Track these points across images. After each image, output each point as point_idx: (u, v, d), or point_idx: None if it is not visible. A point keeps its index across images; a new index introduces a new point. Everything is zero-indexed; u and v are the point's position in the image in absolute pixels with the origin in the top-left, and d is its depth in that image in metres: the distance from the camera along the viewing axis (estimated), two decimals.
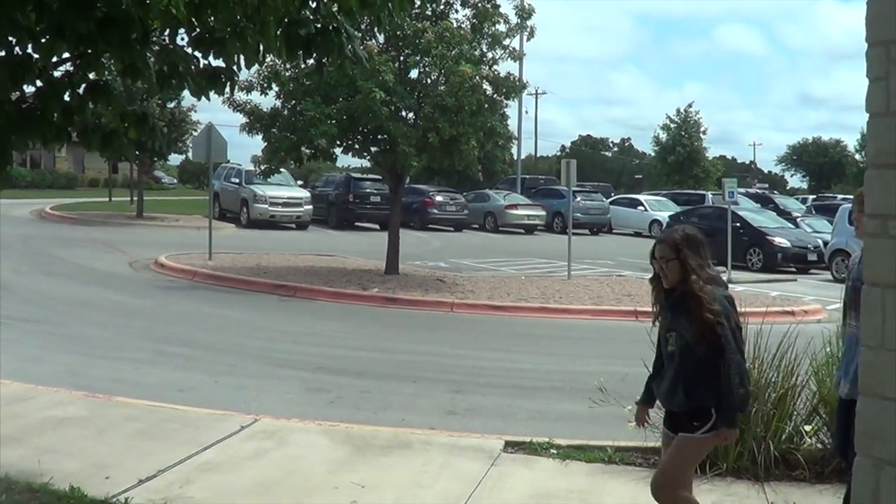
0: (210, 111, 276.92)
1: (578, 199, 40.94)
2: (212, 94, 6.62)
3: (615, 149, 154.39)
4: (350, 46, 6.09)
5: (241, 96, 25.65)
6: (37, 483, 8.00)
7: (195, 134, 38.74)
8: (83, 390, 11.85)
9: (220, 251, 29.82)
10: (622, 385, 9.65)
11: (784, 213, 46.77)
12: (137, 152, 39.53)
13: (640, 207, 54.78)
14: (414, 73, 25.91)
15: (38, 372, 12.97)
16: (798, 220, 44.72)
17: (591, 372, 12.63)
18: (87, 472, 8.49)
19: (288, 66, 25.23)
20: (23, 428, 9.94)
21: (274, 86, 25.78)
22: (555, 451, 9.79)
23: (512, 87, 26.02)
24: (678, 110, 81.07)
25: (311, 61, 6.63)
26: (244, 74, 6.99)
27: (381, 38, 25.12)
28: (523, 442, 10.04)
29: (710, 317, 6.25)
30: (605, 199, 57.31)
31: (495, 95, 25.70)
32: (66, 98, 6.00)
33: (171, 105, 44.41)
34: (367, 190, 47.97)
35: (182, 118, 46.55)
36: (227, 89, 6.64)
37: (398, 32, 24.56)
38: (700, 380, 6.38)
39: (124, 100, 6.69)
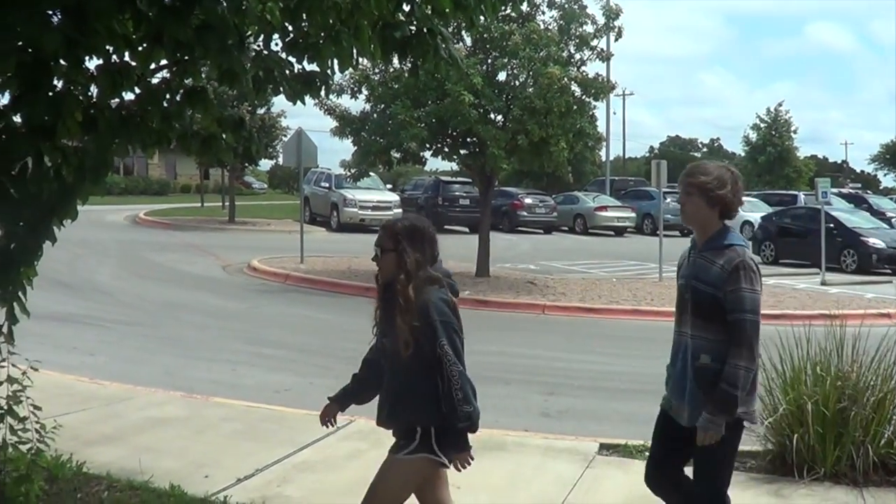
0: (299, 117, 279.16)
1: (669, 200, 40.70)
2: (303, 98, 6.68)
3: (704, 149, 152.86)
4: (445, 48, 6.12)
5: (331, 100, 25.85)
6: (137, 481, 8.14)
7: (285, 139, 39.11)
8: (181, 391, 12.04)
9: (311, 254, 30.06)
10: None
11: (878, 214, 45.75)
12: (234, 156, 39.95)
13: None
14: (502, 76, 25.87)
15: (137, 373, 13.21)
16: (893, 220, 43.91)
17: None
18: (186, 470, 8.62)
19: (377, 69, 25.39)
20: (123, 427, 10.12)
21: (364, 89, 25.95)
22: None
23: (600, 88, 25.88)
24: (768, 109, 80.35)
25: (402, 64, 6.68)
26: (335, 78, 7.03)
27: (468, 41, 25.14)
28: (618, 444, 9.99)
29: (403, 324, 5.50)
30: None
31: (584, 97, 25.59)
32: (165, 104, 6.11)
33: (261, 111, 44.88)
34: (456, 193, 48.09)
35: (272, 124, 47.07)
36: (322, 93, 6.70)
37: (485, 35, 24.59)
38: (407, 394, 5.61)
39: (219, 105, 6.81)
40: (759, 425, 6.55)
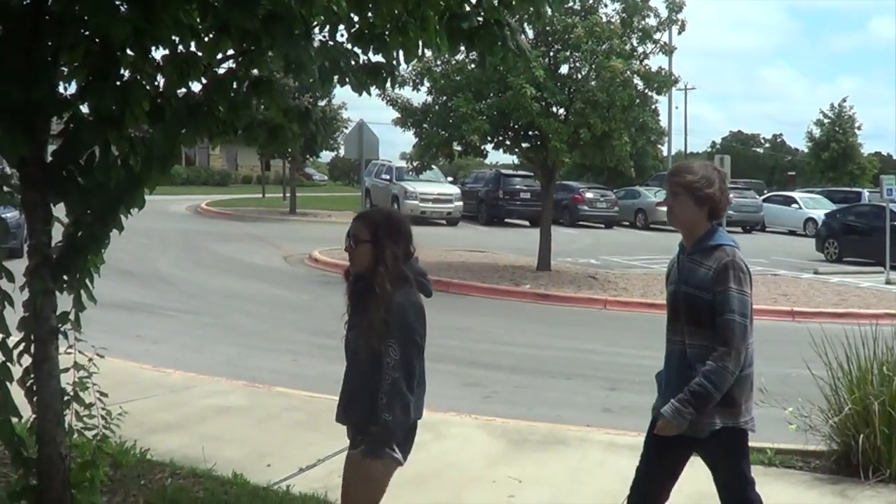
0: (359, 109, 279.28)
1: (731, 196, 39.88)
2: (368, 89, 6.68)
3: (766, 145, 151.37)
4: (513, 39, 6.09)
5: (393, 92, 25.88)
6: (200, 469, 8.21)
7: (346, 131, 39.23)
8: (243, 380, 12.12)
9: None
10: (782, 386, 9.45)
11: None
12: (301, 147, 40.10)
13: (795, 205, 53.24)
14: (564, 69, 25.75)
15: (200, 361, 13.34)
16: None
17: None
18: (248, 459, 8.67)
19: (439, 61, 25.39)
20: (186, 415, 10.21)
21: (426, 81, 25.94)
22: None
23: (663, 82, 25.68)
24: (832, 105, 79.11)
25: (468, 55, 6.63)
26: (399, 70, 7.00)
27: (530, 34, 25.04)
28: None
29: (377, 317, 5.27)
30: (757, 197, 55.81)
31: (646, 90, 25.44)
32: (232, 94, 6.12)
33: (322, 103, 44.99)
34: (517, 186, 47.90)
35: (333, 115, 47.18)
36: (388, 84, 6.68)
37: (548, 28, 24.48)
38: (363, 390, 5.37)
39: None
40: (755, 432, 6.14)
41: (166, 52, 6.00)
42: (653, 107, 26.32)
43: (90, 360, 6.88)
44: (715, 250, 5.63)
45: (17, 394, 5.98)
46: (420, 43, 6.34)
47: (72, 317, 6.27)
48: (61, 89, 5.94)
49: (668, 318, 5.92)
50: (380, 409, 5.23)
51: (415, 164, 28.19)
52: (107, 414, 7.10)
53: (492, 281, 24.19)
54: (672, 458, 5.91)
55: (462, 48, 6.61)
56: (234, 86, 6.12)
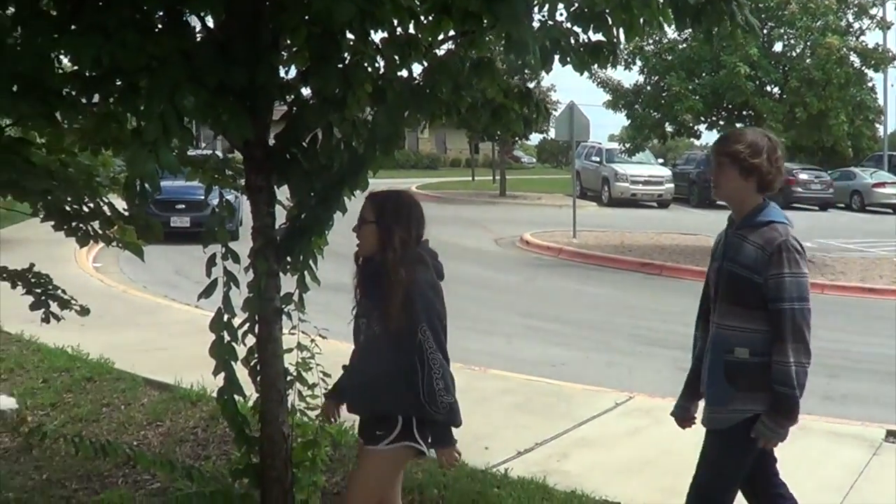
0: (567, 92, 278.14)
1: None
2: (590, 69, 6.58)
3: None
4: (741, 14, 5.88)
5: (604, 73, 25.73)
6: None
7: (555, 113, 39.14)
8: (458, 362, 12.08)
9: (582, 229, 29.92)
10: None
11: None
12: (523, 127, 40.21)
13: None
14: (778, 47, 25.20)
15: None
16: None
17: None
18: (465, 441, 8.52)
19: (650, 40, 25.08)
20: None
21: (637, 61, 25.68)
22: None
23: (880, 59, 24.80)
24: None
25: (694, 32, 6.46)
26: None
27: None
28: None
29: (391, 303, 5.11)
30: None
31: (863, 67, 24.62)
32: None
33: (531, 85, 44.96)
34: None
35: (542, 97, 47.10)
36: (609, 63, 6.55)
37: (760, 4, 23.92)
38: (383, 379, 5.18)
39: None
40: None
41: (385, 34, 6.01)
42: (869, 84, 25.47)
43: (312, 340, 6.96)
44: (764, 227, 5.22)
45: (241, 373, 6.07)
46: (642, 21, 6.20)
47: (295, 298, 6.35)
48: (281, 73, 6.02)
49: (708, 298, 5.64)
50: (438, 394, 5.08)
51: (626, 145, 27.92)
52: None
53: (705, 264, 23.66)
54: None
55: (688, 24, 6.42)
56: (459, 66, 6.09)
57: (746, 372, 5.20)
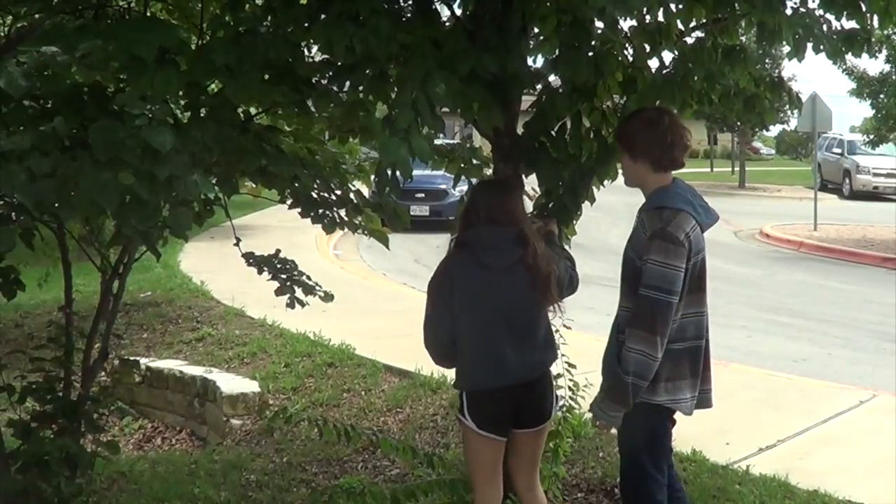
0: (808, 82, 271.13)
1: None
2: (843, 57, 6.41)
3: None
4: None
5: (850, 61, 24.99)
6: None
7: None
8: None
9: (823, 222, 29.06)
10: None
11: None
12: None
13: None
14: None
15: None
16: None
17: None
18: (708, 436, 8.50)
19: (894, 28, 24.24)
20: None
21: (884, 50, 24.82)
22: None
23: None
24: None
25: None
26: None
27: None
28: None
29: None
30: None
31: None
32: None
33: (774, 74, 44.01)
34: None
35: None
36: (864, 51, 6.35)
37: None
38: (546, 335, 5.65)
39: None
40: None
41: (634, 22, 5.98)
42: None
43: (556, 331, 6.96)
44: (653, 211, 5.04)
45: None
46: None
47: None
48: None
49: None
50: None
51: (869, 136, 27.03)
52: (574, 385, 7.19)
53: None
54: None
55: None
56: (712, 54, 6.01)
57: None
